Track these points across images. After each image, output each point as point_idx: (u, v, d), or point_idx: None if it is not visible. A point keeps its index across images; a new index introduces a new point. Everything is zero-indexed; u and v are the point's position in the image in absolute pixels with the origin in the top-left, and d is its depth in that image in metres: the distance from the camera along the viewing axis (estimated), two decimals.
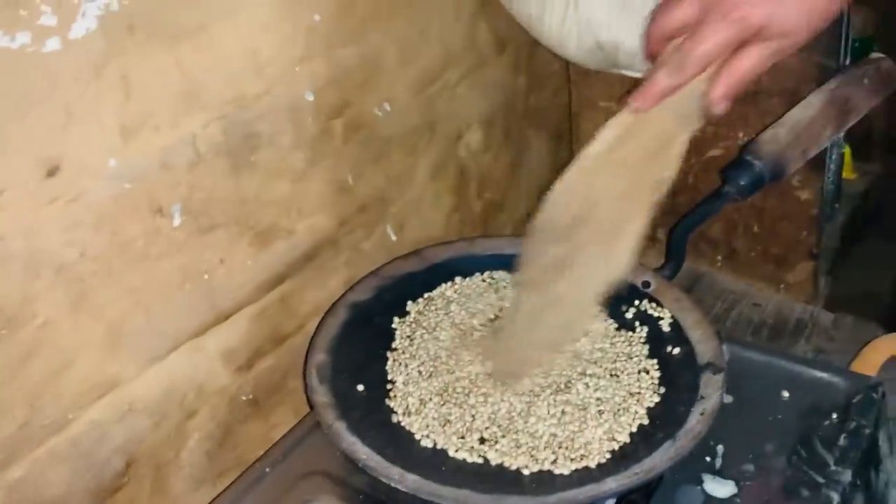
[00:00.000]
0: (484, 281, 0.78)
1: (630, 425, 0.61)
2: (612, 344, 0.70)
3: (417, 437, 0.61)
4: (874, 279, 1.35)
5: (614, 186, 0.62)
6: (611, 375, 0.66)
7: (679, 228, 0.73)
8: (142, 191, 0.63)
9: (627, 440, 0.61)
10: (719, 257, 1.05)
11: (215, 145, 0.68)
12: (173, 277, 0.68)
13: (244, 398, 0.77)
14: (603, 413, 0.63)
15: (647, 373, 0.67)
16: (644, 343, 0.70)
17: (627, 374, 0.66)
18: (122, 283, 0.63)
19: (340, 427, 0.60)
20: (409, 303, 0.75)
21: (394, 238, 0.92)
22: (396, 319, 0.73)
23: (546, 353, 0.66)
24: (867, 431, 0.65)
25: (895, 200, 1.42)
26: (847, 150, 1.26)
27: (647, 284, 0.74)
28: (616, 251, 0.62)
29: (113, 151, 0.60)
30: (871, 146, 1.36)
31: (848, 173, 1.29)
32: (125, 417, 0.66)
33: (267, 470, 0.67)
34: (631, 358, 0.68)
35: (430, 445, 0.61)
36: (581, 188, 0.63)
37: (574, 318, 0.67)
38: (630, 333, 0.71)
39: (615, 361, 0.68)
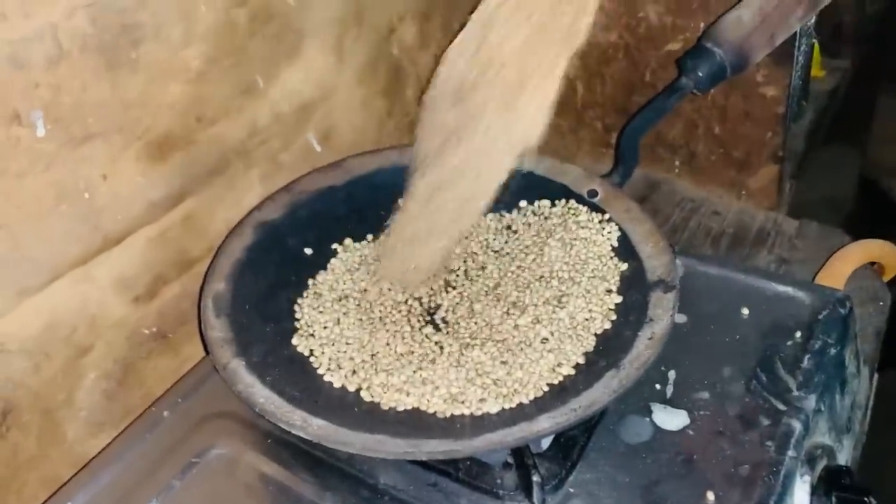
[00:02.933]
0: None
1: (576, 355, 0.54)
2: (557, 263, 0.62)
3: (326, 377, 0.53)
4: (840, 184, 1.29)
5: (516, 37, 0.52)
6: (558, 301, 0.59)
7: (629, 128, 0.64)
8: None
9: (572, 372, 0.54)
10: (677, 162, 0.97)
11: (83, 38, 0.57)
12: (44, 197, 0.58)
13: (146, 331, 0.69)
14: (547, 341, 0.56)
15: (609, 293, 0.59)
16: (596, 259, 0.62)
17: (576, 298, 0.59)
18: None
19: (237, 366, 0.52)
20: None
21: (318, 149, 0.82)
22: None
23: (442, 243, 0.57)
24: (833, 351, 0.59)
25: (864, 99, 1.35)
26: (817, 46, 1.17)
27: (593, 193, 0.66)
28: (522, 113, 0.53)
29: None
30: (840, 41, 1.27)
31: (816, 71, 1.21)
32: None
33: (165, 413, 0.59)
34: (580, 278, 0.60)
35: (339, 386, 0.53)
36: (477, 42, 0.53)
37: (473, 195, 0.56)
38: (576, 250, 0.63)
39: (561, 283, 0.60)
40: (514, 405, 0.51)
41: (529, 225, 0.66)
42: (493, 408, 0.51)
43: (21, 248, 0.57)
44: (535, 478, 0.49)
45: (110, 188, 0.62)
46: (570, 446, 0.53)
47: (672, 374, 0.58)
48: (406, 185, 0.59)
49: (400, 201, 0.62)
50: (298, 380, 0.53)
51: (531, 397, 0.52)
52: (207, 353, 0.54)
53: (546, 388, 0.53)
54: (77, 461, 0.64)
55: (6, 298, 0.57)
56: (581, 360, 0.55)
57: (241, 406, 0.57)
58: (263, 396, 0.50)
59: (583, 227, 0.64)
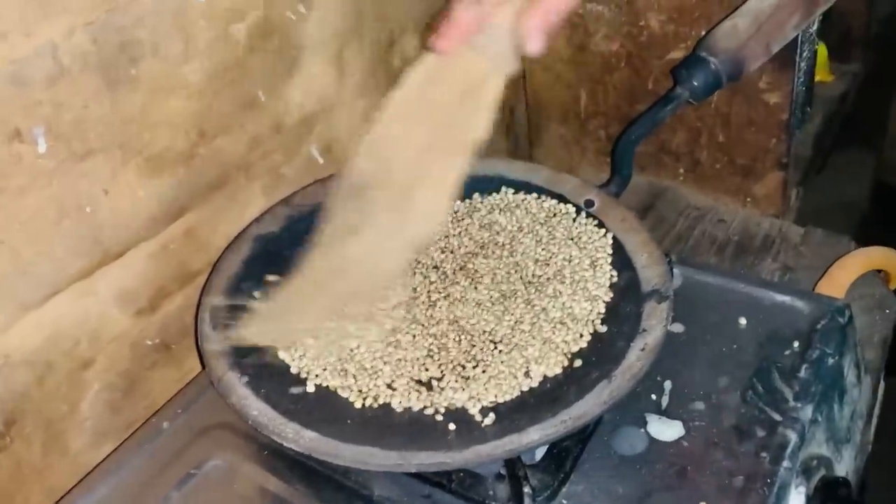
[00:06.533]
0: None
1: (559, 363, 0.55)
2: (547, 267, 0.62)
3: (311, 384, 0.54)
4: (849, 189, 1.28)
5: (414, 139, 0.55)
6: (550, 300, 0.59)
7: (624, 139, 0.64)
8: None
9: (559, 376, 0.54)
10: (682, 170, 0.97)
11: (83, 56, 0.58)
12: (46, 212, 0.59)
13: (149, 343, 0.69)
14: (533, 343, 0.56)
15: (594, 301, 0.59)
16: (587, 269, 0.62)
17: (563, 303, 0.59)
18: None
19: (233, 378, 0.52)
20: None
21: (321, 161, 0.83)
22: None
23: (320, 320, 0.58)
24: (831, 361, 0.58)
25: (874, 103, 1.34)
26: (823, 50, 1.17)
27: (590, 203, 0.66)
28: (414, 214, 0.55)
29: None
30: (849, 45, 1.27)
31: (824, 75, 1.21)
32: (1, 372, 0.59)
33: (165, 424, 0.60)
34: (572, 283, 0.61)
35: (334, 393, 0.54)
36: (377, 142, 0.56)
37: (364, 286, 0.59)
38: (570, 256, 0.63)
39: (553, 288, 0.60)
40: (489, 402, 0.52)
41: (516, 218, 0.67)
42: (475, 409, 0.52)
43: (23, 263, 0.58)
44: (527, 489, 0.49)
45: (111, 203, 0.63)
46: (563, 457, 0.53)
47: (668, 385, 0.58)
48: (306, 257, 0.60)
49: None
50: (295, 392, 0.54)
51: (504, 398, 0.53)
52: (204, 366, 0.55)
53: (519, 392, 0.53)
54: (80, 472, 0.64)
55: (9, 312, 0.58)
56: (559, 371, 0.55)
57: (238, 417, 0.58)
58: (257, 409, 0.50)
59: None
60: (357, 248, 0.56)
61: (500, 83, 0.54)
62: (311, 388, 0.54)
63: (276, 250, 0.65)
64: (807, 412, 0.55)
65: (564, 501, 0.52)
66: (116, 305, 0.66)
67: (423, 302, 0.60)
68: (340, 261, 0.57)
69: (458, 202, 0.70)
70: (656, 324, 0.54)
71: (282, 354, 0.57)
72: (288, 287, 0.59)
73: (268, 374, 0.54)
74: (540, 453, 0.54)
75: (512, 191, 0.69)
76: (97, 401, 0.66)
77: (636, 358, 0.52)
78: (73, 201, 0.60)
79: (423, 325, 0.58)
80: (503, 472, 0.52)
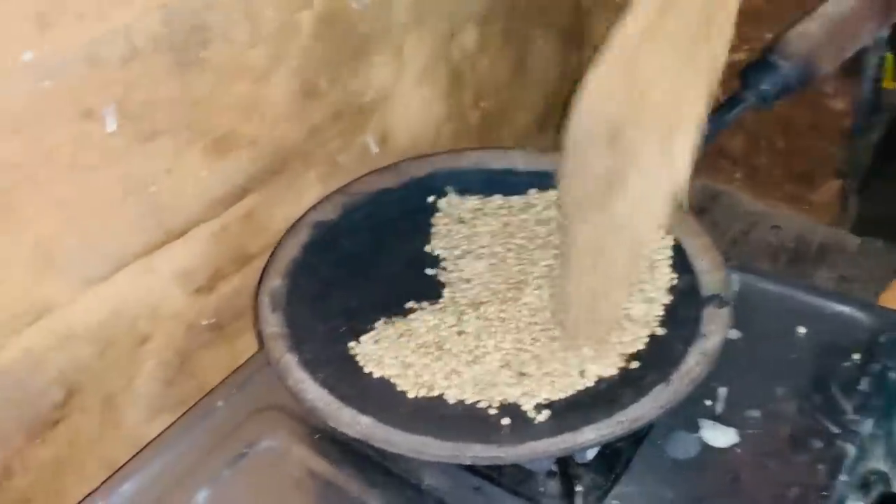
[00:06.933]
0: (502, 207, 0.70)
1: (615, 364, 0.54)
2: None
3: (376, 372, 0.54)
4: None
5: (662, 68, 0.50)
6: None
7: None
8: (65, 90, 0.55)
9: (615, 376, 0.54)
10: (738, 174, 0.96)
11: (155, 39, 0.59)
12: (112, 190, 0.60)
13: (204, 322, 0.71)
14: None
15: (652, 303, 0.59)
16: (645, 270, 0.62)
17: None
18: (49, 196, 0.56)
19: (290, 361, 0.53)
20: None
21: (376, 150, 0.83)
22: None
23: (621, 293, 0.54)
24: (893, 375, 0.57)
25: None
26: (890, 57, 1.14)
27: None
28: (677, 148, 0.49)
29: (28, 43, 0.52)
30: None
31: (888, 82, 1.18)
32: (65, 344, 0.60)
33: (219, 403, 0.61)
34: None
35: (389, 381, 0.54)
36: (621, 77, 0.50)
37: (640, 241, 0.53)
38: None
39: None
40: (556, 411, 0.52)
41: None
42: (529, 406, 0.52)
43: (88, 239, 0.60)
44: (579, 488, 0.49)
45: (175, 183, 0.64)
46: (615, 458, 0.53)
47: (723, 391, 0.58)
48: (560, 232, 0.57)
49: None
50: (350, 378, 0.54)
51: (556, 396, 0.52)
52: (262, 346, 0.56)
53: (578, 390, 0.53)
54: (134, 445, 0.66)
55: (74, 287, 0.59)
56: (615, 372, 0.54)
57: (291, 400, 0.58)
58: (313, 392, 0.51)
59: None
60: (629, 199, 0.51)
61: None
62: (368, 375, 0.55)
63: (334, 237, 0.65)
64: (867, 426, 0.54)
65: (615, 502, 0.52)
66: (176, 284, 0.67)
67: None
68: (610, 218, 0.52)
69: (515, 197, 0.70)
70: (716, 329, 0.54)
71: (350, 344, 0.57)
72: (571, 267, 0.55)
73: (325, 358, 0.55)
74: (592, 453, 0.54)
75: None
76: (152, 376, 0.67)
77: (695, 363, 0.52)
78: (139, 180, 0.62)
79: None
80: (555, 469, 0.52)
